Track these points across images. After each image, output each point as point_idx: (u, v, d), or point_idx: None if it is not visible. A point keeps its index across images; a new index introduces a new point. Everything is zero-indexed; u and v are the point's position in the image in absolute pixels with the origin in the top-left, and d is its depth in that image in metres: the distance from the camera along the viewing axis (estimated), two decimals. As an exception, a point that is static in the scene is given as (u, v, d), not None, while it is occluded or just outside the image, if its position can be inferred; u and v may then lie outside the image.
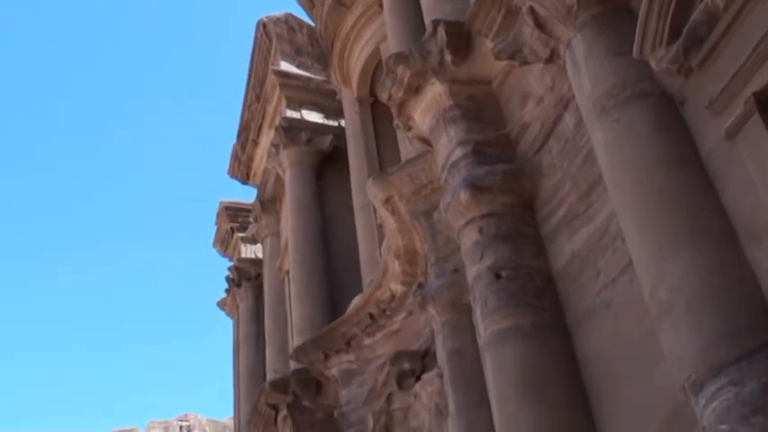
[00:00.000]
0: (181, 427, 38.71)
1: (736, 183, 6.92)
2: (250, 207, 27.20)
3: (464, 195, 10.36)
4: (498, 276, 9.82)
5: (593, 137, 8.40)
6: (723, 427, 6.05)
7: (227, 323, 31.82)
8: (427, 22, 12.40)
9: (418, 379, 13.78)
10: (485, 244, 10.12)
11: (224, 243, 31.24)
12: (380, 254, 16.16)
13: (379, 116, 19.33)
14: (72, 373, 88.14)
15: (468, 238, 10.41)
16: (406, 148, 14.93)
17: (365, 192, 14.93)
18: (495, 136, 10.95)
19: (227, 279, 29.87)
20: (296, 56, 24.11)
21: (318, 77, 23.27)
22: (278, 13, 24.51)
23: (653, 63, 7.50)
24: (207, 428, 39.02)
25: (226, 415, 38.59)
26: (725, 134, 6.96)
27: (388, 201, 13.04)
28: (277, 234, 24.76)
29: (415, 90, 11.74)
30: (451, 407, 11.49)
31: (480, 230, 10.23)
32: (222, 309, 31.50)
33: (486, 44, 10.71)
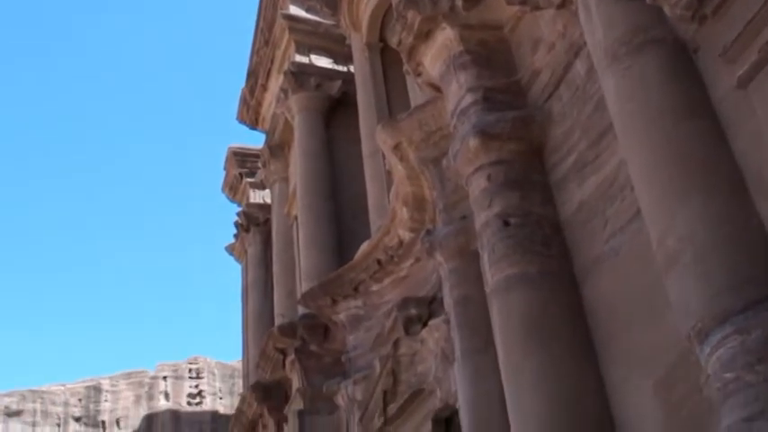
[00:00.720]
0: (190, 370, 39.15)
1: (747, 133, 6.86)
2: (259, 152, 27.15)
3: (473, 142, 10.31)
4: (506, 224, 9.82)
5: (604, 84, 8.32)
6: (728, 374, 6.09)
7: (236, 268, 32.03)
8: (438, -35, 12.22)
9: (425, 325, 13.87)
10: (493, 191, 10.10)
11: (233, 188, 31.27)
12: (389, 200, 16.16)
13: (388, 62, 19.15)
14: (82, 318, 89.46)
15: (477, 186, 10.39)
16: (416, 95, 14.84)
17: (374, 138, 14.87)
18: (506, 83, 10.86)
19: (236, 224, 29.99)
20: (305, -1, 23.85)
21: (328, 22, 23.01)
22: (287, -45, 24.16)
23: (666, 9, 7.39)
24: (216, 371, 39.51)
25: (234, 358, 38.98)
26: (737, 83, 6.89)
27: (396, 147, 12.99)
28: (285, 180, 24.76)
29: (425, 35, 11.61)
30: (458, 352, 11.60)
31: (489, 178, 10.21)
32: (231, 254, 31.67)
33: (498, -12, 10.57)
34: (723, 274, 6.27)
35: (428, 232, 12.77)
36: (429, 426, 14.51)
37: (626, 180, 8.43)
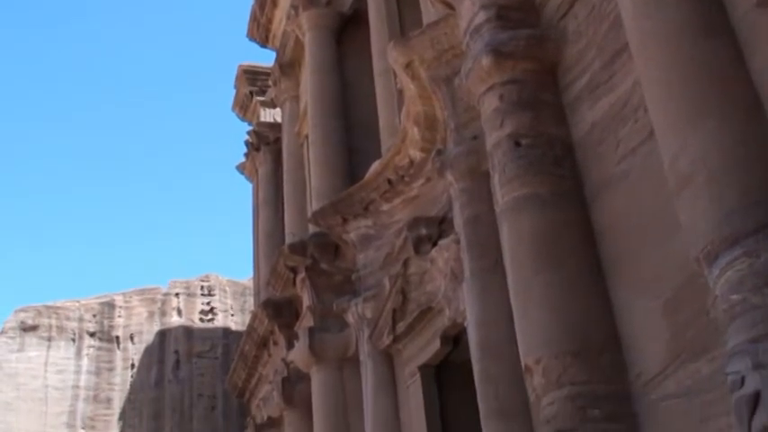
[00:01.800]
0: (202, 287, 39.60)
1: (764, 53, 6.75)
2: (269, 71, 26.94)
3: (486, 61, 10.18)
4: (518, 144, 9.77)
5: (620, 2, 8.15)
6: (735, 296, 6.13)
7: (247, 187, 32.12)
8: None
9: (435, 245, 13.94)
10: (505, 111, 10.02)
11: (243, 107, 31.14)
12: (400, 120, 16.07)
13: (400, -22, 18.82)
14: (95, 236, 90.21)
15: (489, 105, 10.30)
16: (428, 12, 14.60)
17: (386, 56, 14.72)
18: (520, 0, 10.66)
19: (247, 143, 29.96)
20: None
21: (339, -63, 22.55)
22: None
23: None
24: (227, 289, 39.95)
25: (245, 276, 39.43)
26: (757, 1, 6.74)
27: (408, 66, 12.85)
28: (296, 98, 24.62)
29: (437, -49, 11.37)
30: (467, 272, 11.69)
31: (501, 97, 10.11)
32: (242, 172, 31.73)
33: None
34: (735, 197, 6.25)
35: (439, 152, 12.73)
36: (437, 343, 14.72)
37: (640, 101, 8.34)
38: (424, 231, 14.50)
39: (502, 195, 9.88)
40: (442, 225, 14.18)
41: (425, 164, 14.30)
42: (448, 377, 15.28)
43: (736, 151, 6.36)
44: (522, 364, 9.27)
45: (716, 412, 7.25)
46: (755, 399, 5.71)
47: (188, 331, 38.58)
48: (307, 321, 18.79)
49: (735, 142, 6.44)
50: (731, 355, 6.02)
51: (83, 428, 36.87)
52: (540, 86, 10.10)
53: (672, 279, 7.96)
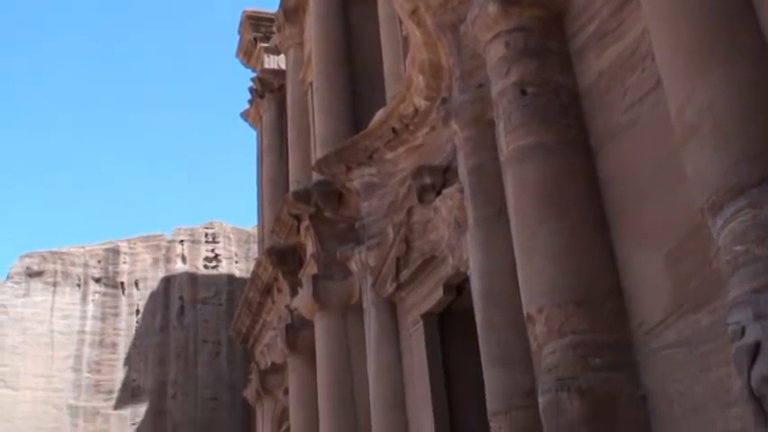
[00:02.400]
0: (206, 235, 39.66)
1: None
2: (273, 17, 26.66)
3: (492, 8, 10.05)
4: (523, 92, 9.69)
5: (630, -52, 8.02)
6: (738, 247, 6.12)
7: (251, 134, 32.04)
8: None
9: (439, 193, 13.92)
10: (511, 59, 9.92)
11: (247, 53, 30.89)
12: (405, 67, 15.94)
13: None
14: (99, 182, 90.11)
15: (495, 53, 10.20)
16: (435, -43, 14.37)
17: (391, 3, 14.56)
18: (528, -54, 10.48)
19: (251, 90, 29.79)
20: None
21: None
22: None
23: None
24: (231, 236, 40.01)
25: (249, 224, 39.49)
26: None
27: (414, 12, 12.69)
28: (300, 45, 24.41)
29: None
30: (470, 221, 11.69)
31: (507, 45, 10.00)
32: (245, 120, 31.63)
33: None
34: (741, 147, 6.20)
35: (444, 100, 12.64)
36: (440, 292, 14.80)
37: (647, 50, 8.25)
38: (428, 180, 14.48)
39: (507, 144, 9.83)
40: (446, 174, 14.15)
41: (430, 112, 14.21)
42: (450, 325, 15.38)
43: (744, 101, 6.29)
44: (525, 313, 9.32)
45: (716, 362, 7.31)
46: (755, 349, 5.74)
47: (192, 278, 38.80)
48: (310, 269, 18.88)
49: (742, 92, 6.37)
50: (732, 306, 6.03)
51: (89, 372, 37.30)
52: (547, 34, 9.99)
53: (676, 230, 7.96)
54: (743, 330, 5.87)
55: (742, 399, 5.95)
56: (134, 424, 36.46)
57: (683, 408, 7.77)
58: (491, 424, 10.70)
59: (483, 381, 11.06)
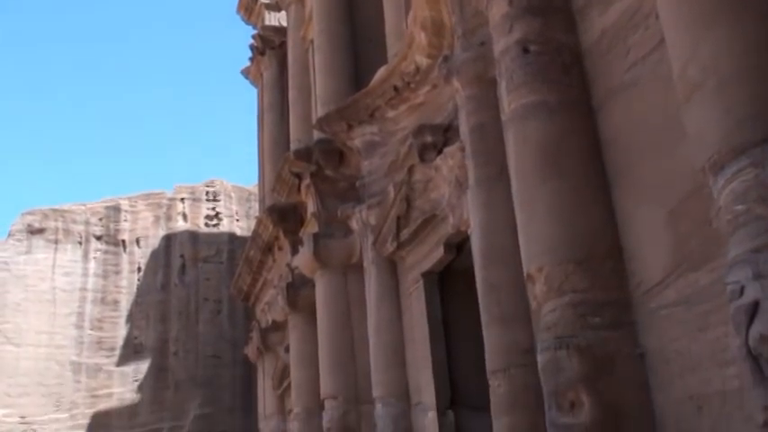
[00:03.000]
0: (207, 193, 39.65)
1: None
2: (274, -28, 26.38)
3: (495, -36, 9.94)
4: (526, 50, 9.61)
5: None
6: (739, 206, 6.10)
7: (252, 92, 31.88)
8: None
9: (440, 152, 13.89)
10: (514, 16, 9.82)
11: (248, 9, 30.63)
12: (406, 25, 15.80)
13: None
14: (101, 140, 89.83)
15: (498, 11, 10.10)
16: None
17: (393, -41, 14.39)
18: None
19: (251, 47, 29.59)
20: None
21: None
22: None
23: None
24: (232, 194, 40.00)
25: (250, 182, 39.46)
26: None
27: (416, -31, 12.57)
28: (301, 2, 24.18)
29: None
30: (471, 180, 11.68)
31: (510, 2, 9.89)
32: (246, 77, 31.46)
33: None
34: (744, 106, 6.15)
35: (446, 58, 12.55)
36: (441, 251, 14.83)
37: (651, 7, 8.16)
38: (429, 139, 14.43)
39: (508, 103, 9.78)
40: (447, 133, 14.10)
41: (432, 70, 14.12)
42: (450, 284, 15.44)
43: (748, 59, 6.23)
44: (525, 271, 9.35)
45: (714, 321, 7.34)
46: (754, 308, 5.75)
47: (193, 236, 38.89)
48: (311, 227, 18.91)
49: (747, 50, 6.30)
50: (732, 265, 6.03)
51: (91, 329, 37.56)
52: (551, -9, 9.88)
53: (676, 189, 7.95)
54: (742, 290, 5.88)
55: (739, 358, 5.98)
56: (136, 380, 36.79)
57: (681, 366, 7.82)
58: (490, 382, 10.80)
59: (482, 339, 11.14)
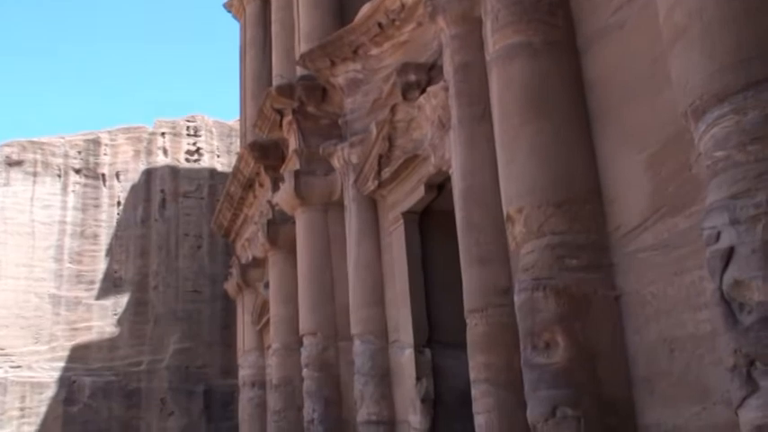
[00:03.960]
0: (188, 128, 39.26)
1: None
2: None
3: None
4: (512, -10, 9.51)
5: None
6: (719, 153, 6.12)
7: (235, 26, 31.40)
8: None
9: (423, 91, 13.80)
10: (501, -45, 9.69)
11: (230, -59, 29.97)
12: (392, -39, 15.54)
13: None
14: (81, 72, 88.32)
15: (485, -52, 9.95)
16: None
17: None
18: None
19: (234, -20, 29.03)
20: None
21: None
22: None
23: None
24: (213, 130, 39.65)
25: (232, 117, 39.16)
26: None
27: None
28: (286, -66, 23.67)
29: None
30: (454, 120, 11.63)
31: (498, -60, 9.75)
32: (229, 11, 30.94)
33: None
34: (728, 51, 6.13)
35: (431, -4, 12.38)
36: (422, 191, 14.84)
37: (640, -52, 8.08)
38: (412, 77, 14.31)
39: (493, 43, 9.71)
40: (431, 72, 13.99)
41: (417, 8, 13.95)
42: (430, 224, 15.49)
43: (734, 4, 6.19)
44: (504, 212, 9.39)
45: (689, 266, 7.43)
46: (729, 254, 5.82)
47: (174, 171, 38.68)
48: (292, 164, 18.83)
49: (734, -6, 6.26)
50: (709, 211, 6.08)
51: (70, 263, 37.51)
52: (538, -70, 9.72)
53: (658, 134, 7.96)
54: (718, 235, 5.94)
55: (713, 302, 6.07)
56: (115, 314, 36.90)
57: (656, 309, 7.94)
58: (467, 321, 10.92)
59: (461, 279, 11.22)
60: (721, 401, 6.84)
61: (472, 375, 10.72)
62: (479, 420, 10.43)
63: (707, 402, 7.20)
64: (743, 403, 5.66)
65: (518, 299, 8.90)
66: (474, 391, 10.61)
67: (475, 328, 10.71)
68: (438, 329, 14.87)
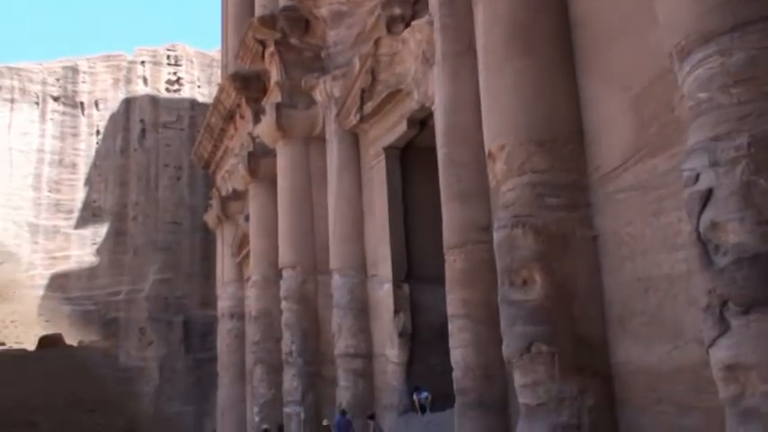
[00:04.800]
0: (168, 57, 38.62)
1: None
2: None
3: None
4: (501, -77, 9.32)
5: None
6: (702, 94, 6.11)
7: (216, -47, 30.73)
8: None
9: (408, 25, 13.64)
10: None
11: None
12: None
13: None
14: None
15: None
16: None
17: None
18: None
19: None
20: None
21: None
22: None
23: None
24: (194, 60, 39.02)
25: (213, 47, 38.53)
26: None
27: None
28: None
29: None
30: (438, 55, 11.52)
31: None
32: (211, -63, 30.22)
33: None
34: (716, -8, 6.08)
35: (418, -73, 12.16)
36: (404, 126, 14.78)
37: None
38: (397, 11, 14.14)
39: (480, -23, 9.56)
40: (416, 5, 13.82)
41: (403, -61, 13.71)
42: (412, 160, 15.48)
43: (724, -56, 6.12)
44: (486, 150, 9.38)
45: (667, 207, 7.48)
46: (707, 195, 5.86)
47: (154, 101, 38.21)
48: (274, 96, 18.66)
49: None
50: (690, 152, 6.10)
51: (48, 191, 37.27)
52: None
53: (642, 74, 7.93)
54: (697, 177, 5.97)
55: (689, 243, 6.13)
56: (95, 243, 36.81)
57: (632, 249, 8.02)
58: (446, 257, 10.98)
59: (441, 215, 11.25)
60: (693, 340, 6.96)
61: (450, 311, 10.83)
62: (456, 355, 10.58)
63: (679, 341, 7.33)
64: (714, 342, 5.77)
65: (497, 236, 8.95)
66: (451, 326, 10.73)
67: (453, 264, 10.77)
68: (416, 265, 14.97)
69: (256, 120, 20.09)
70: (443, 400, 12.45)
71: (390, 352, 14.59)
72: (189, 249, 36.52)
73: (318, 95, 16.87)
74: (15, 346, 33.03)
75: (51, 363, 31.52)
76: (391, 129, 15.24)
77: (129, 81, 38.98)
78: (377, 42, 14.86)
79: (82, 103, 38.54)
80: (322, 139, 17.31)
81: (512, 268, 8.66)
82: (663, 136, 7.65)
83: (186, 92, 39.14)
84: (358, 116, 15.74)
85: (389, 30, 14.24)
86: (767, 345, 5.46)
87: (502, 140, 8.99)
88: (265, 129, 18.55)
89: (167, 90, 38.94)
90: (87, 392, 31.62)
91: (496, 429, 10.04)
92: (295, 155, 18.13)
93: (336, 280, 16.06)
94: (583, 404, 8.20)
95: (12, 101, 37.38)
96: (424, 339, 14.38)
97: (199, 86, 39.53)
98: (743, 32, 5.92)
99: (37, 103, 37.84)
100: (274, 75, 18.64)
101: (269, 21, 18.50)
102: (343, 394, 15.42)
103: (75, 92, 38.63)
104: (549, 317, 8.34)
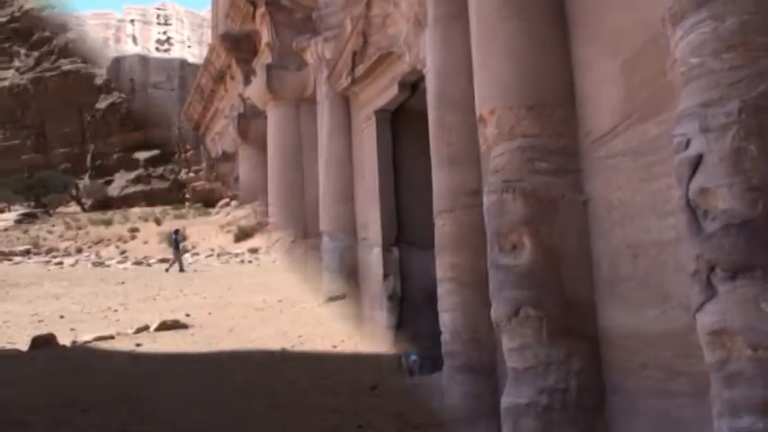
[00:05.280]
0: (158, 16, 38.50)
1: None
2: None
3: None
4: None
5: None
6: (694, 59, 6.07)
7: None
8: None
9: (400, -13, 13.51)
10: None
11: None
12: None
13: None
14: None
15: None
16: None
17: None
18: None
19: None
20: None
21: None
22: None
23: None
24: (184, 19, 38.86)
25: (203, 7, 38.34)
26: None
27: None
28: None
29: None
30: (430, 17, 11.43)
31: None
32: None
33: None
34: (710, -45, 6.02)
35: None
36: (395, 89, 14.71)
37: None
38: (390, -29, 13.99)
39: (473, -62, 9.46)
40: (408, -34, 13.66)
41: None
42: (403, 124, 15.43)
43: None
44: (477, 113, 9.35)
45: (657, 173, 7.48)
46: (697, 161, 5.85)
47: (144, 60, 38.15)
48: (265, 57, 18.56)
49: None
50: (680, 118, 6.08)
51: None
52: None
53: (634, 38, 7.88)
54: (687, 143, 5.95)
55: (678, 209, 6.13)
56: (84, 204, 36.80)
57: (622, 214, 8.02)
58: (435, 221, 10.99)
59: (431, 180, 11.24)
60: (680, 306, 6.99)
61: (439, 275, 10.86)
62: (444, 318, 10.63)
63: (666, 306, 7.36)
64: (701, 308, 5.79)
65: (487, 200, 8.95)
66: (440, 290, 10.77)
67: (443, 228, 10.79)
68: (406, 229, 14.99)
69: (247, 81, 20.00)
70: (432, 363, 12.55)
71: (379, 315, 14.66)
72: (179, 211, 36.55)
73: (309, 57, 16.76)
74: (8, 347, 32.95)
75: (44, 363, 31.50)
76: (382, 92, 15.17)
77: (117, 40, 38.82)
78: (369, 4, 14.74)
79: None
80: (313, 101, 17.24)
81: (501, 233, 8.67)
82: (654, 101, 7.62)
83: (176, 52, 39.07)
84: (349, 79, 15.66)
85: (381, -6, 14.14)
86: (753, 310, 5.49)
87: (492, 104, 8.96)
88: (256, 90, 18.46)
89: (157, 49, 38.88)
90: (81, 392, 31.71)
91: (485, 393, 10.13)
92: (285, 117, 18.08)
93: (326, 243, 16.07)
94: (570, 368, 8.24)
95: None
96: (412, 303, 14.46)
97: (189, 47, 39.40)
98: (736, -4, 5.87)
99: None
100: (265, 35, 18.52)
101: (260, -20, 18.35)
102: (333, 356, 15.50)
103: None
104: (537, 281, 8.36)
